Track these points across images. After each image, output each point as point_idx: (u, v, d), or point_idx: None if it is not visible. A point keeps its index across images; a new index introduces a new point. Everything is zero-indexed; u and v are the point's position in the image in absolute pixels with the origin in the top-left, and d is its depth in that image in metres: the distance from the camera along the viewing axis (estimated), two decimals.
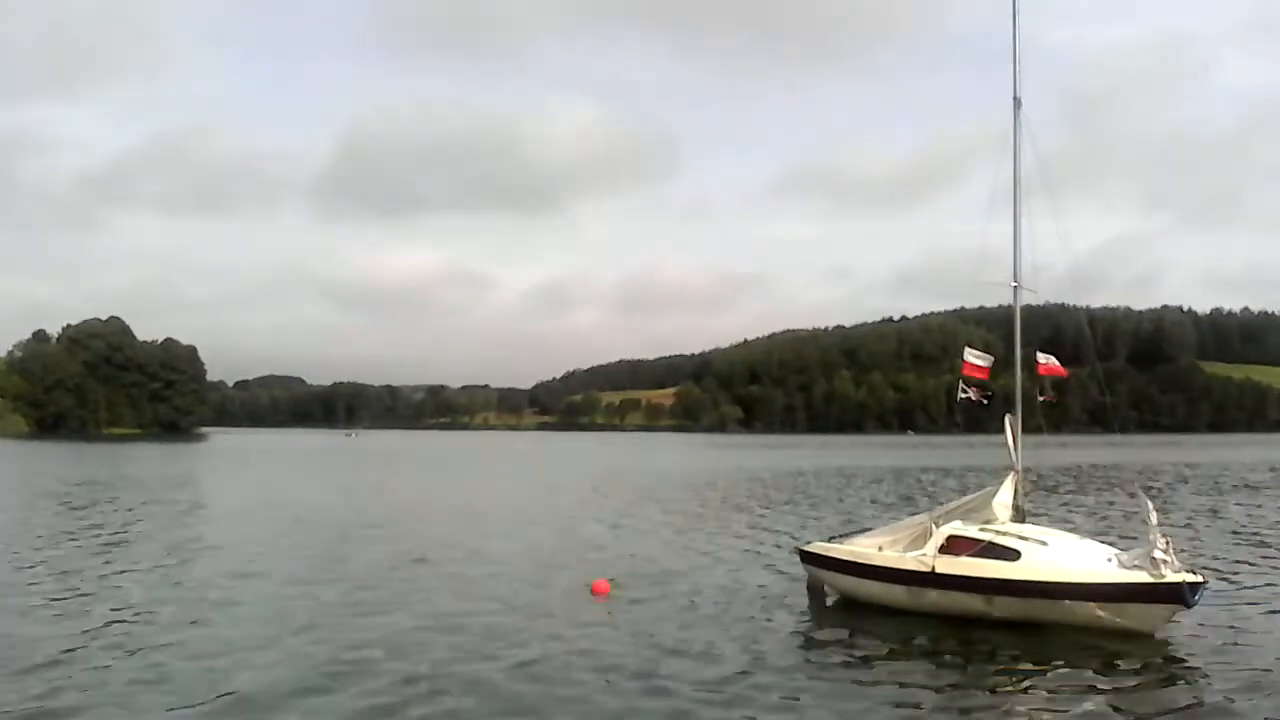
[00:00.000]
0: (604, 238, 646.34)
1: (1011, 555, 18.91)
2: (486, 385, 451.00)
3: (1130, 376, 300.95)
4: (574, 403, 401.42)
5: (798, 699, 14.46)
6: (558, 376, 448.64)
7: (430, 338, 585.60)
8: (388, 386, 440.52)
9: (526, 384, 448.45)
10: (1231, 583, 23.84)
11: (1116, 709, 14.11)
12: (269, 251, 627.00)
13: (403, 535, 33.52)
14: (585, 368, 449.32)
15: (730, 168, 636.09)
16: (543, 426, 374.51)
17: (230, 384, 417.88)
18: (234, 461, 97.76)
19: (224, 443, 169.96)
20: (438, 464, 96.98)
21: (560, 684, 15.09)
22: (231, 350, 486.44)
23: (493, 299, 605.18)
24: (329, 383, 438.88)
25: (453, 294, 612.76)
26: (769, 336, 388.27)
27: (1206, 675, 15.93)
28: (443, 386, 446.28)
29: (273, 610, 20.64)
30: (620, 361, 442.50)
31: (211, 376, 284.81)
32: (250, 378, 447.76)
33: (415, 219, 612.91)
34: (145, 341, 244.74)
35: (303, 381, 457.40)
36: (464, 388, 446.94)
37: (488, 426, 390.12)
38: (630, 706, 14.01)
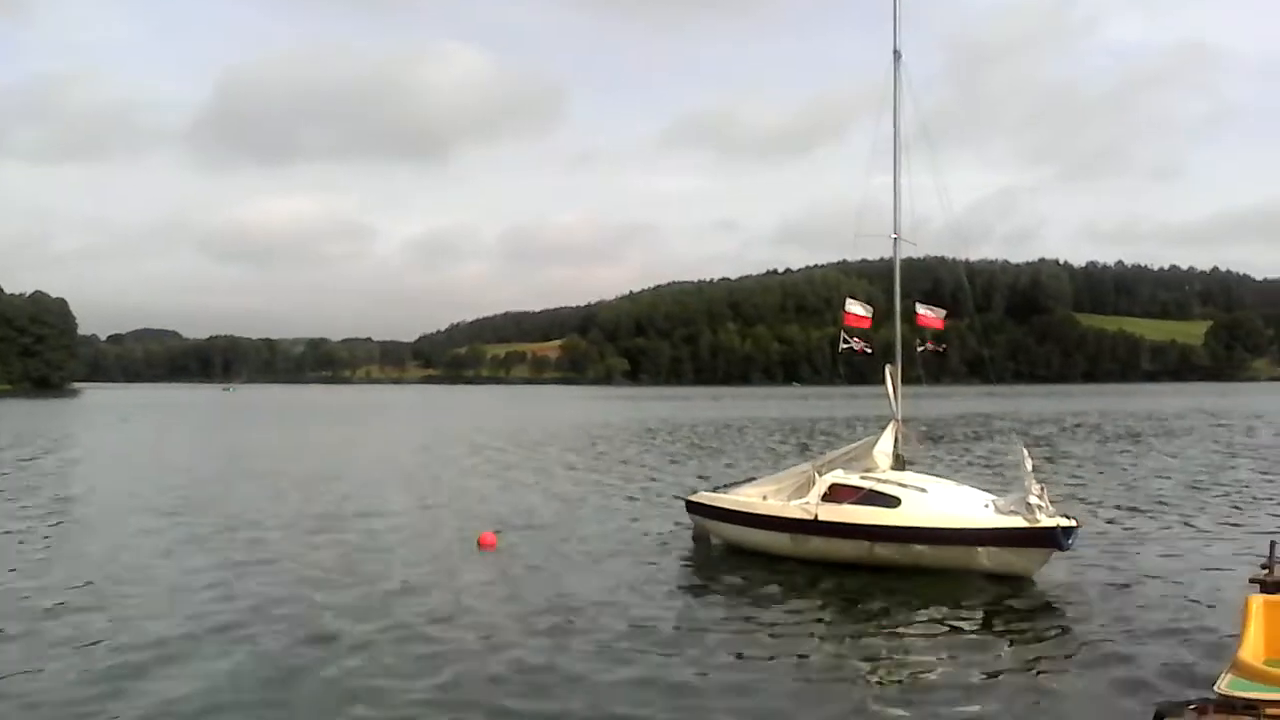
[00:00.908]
0: (490, 188, 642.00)
1: (892, 502, 19.23)
2: (369, 338, 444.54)
3: (1008, 328, 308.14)
4: (458, 355, 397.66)
5: (685, 648, 14.44)
6: (442, 329, 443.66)
7: (310, 290, 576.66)
8: (266, 340, 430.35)
9: (410, 337, 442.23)
10: (1104, 526, 24.58)
11: (994, 648, 14.42)
12: (144, 202, 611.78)
13: (287, 493, 32.79)
14: (469, 320, 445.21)
15: (620, 118, 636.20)
16: (427, 380, 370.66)
17: (103, 338, 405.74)
18: (110, 418, 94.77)
19: (98, 398, 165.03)
20: (320, 419, 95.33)
21: (446, 639, 14.84)
22: (104, 303, 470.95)
23: (375, 250, 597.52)
24: (205, 336, 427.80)
25: (334, 245, 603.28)
26: (655, 289, 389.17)
27: (1079, 614, 16.41)
28: (323, 339, 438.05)
29: (160, 577, 19.98)
30: (505, 314, 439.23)
31: (83, 330, 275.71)
32: (124, 331, 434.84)
33: (295, 168, 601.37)
34: (13, 295, 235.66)
35: (178, 335, 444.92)
36: (345, 341, 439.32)
37: (370, 380, 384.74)
38: (516, 659, 13.81)
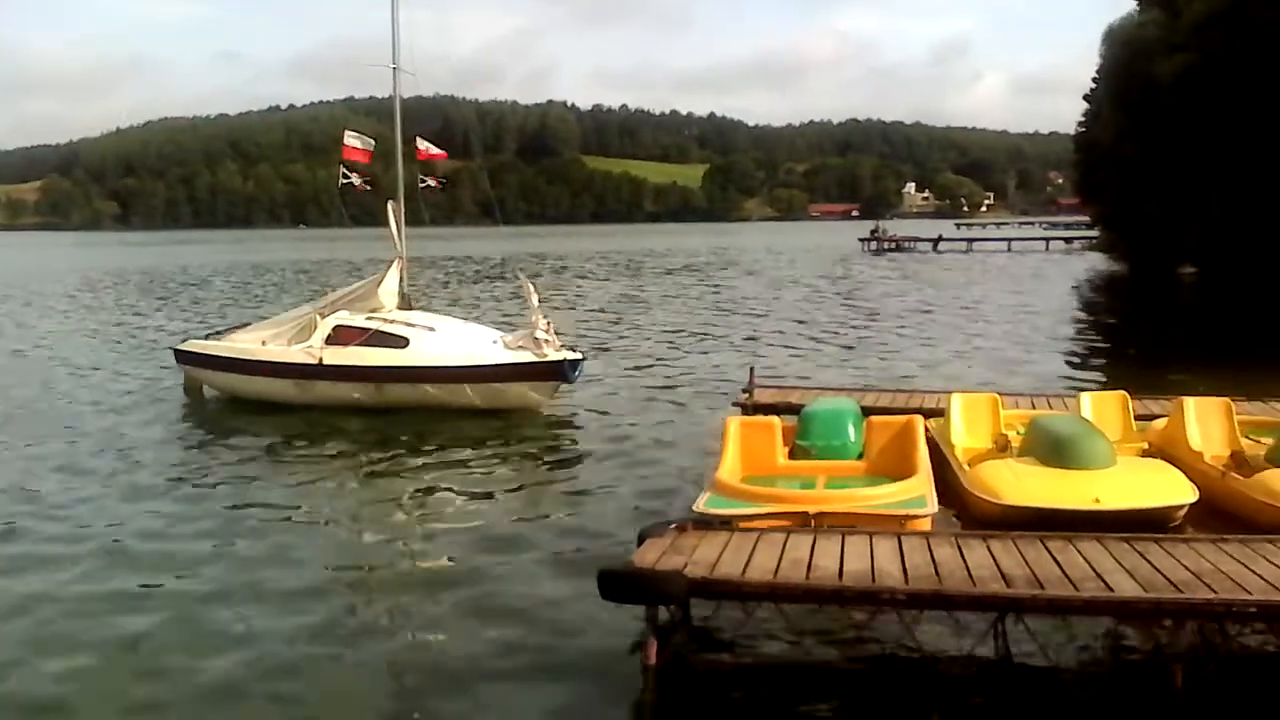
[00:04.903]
0: None
1: (400, 343, 19.00)
2: None
3: (519, 169, 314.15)
4: None
5: (181, 509, 13.29)
6: None
7: None
8: None
9: None
10: (604, 356, 25.76)
11: (498, 482, 14.56)
12: None
13: None
14: None
15: None
16: None
17: None
18: None
19: None
20: None
21: None
22: None
23: None
24: None
25: None
26: (145, 125, 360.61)
27: (580, 445, 17.07)
28: None
29: None
30: None
31: None
32: None
33: None
34: None
35: None
36: None
37: None
38: None
